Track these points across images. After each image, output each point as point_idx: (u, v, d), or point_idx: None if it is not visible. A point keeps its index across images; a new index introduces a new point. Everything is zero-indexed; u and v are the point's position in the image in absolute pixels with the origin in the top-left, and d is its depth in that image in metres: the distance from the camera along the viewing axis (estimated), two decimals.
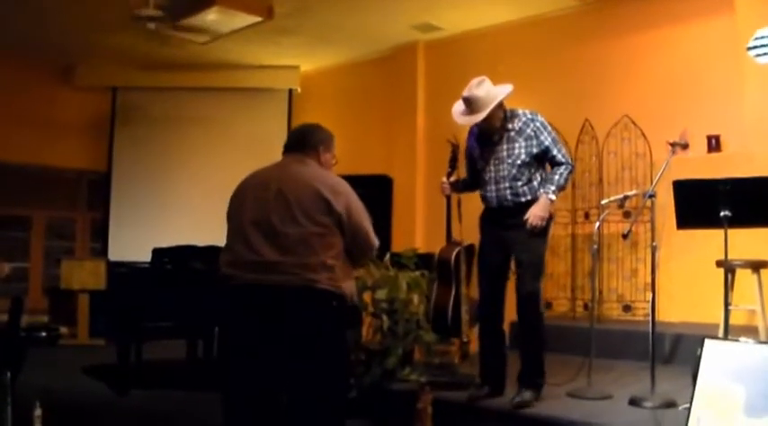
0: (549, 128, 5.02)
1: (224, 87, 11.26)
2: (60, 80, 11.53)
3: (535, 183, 4.92)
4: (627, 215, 7.25)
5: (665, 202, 5.17)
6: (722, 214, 4.77)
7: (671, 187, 5.07)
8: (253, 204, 3.58)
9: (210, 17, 8.79)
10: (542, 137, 4.94)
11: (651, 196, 4.82)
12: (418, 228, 9.53)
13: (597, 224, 5.38)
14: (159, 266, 7.10)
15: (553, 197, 4.84)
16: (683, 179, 5.05)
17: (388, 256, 5.84)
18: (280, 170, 3.72)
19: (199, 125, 11.21)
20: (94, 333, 10.38)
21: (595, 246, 5.47)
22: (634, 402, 4.71)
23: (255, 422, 3.52)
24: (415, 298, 5.44)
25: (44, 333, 10.18)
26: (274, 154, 11.15)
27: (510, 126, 5.04)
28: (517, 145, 4.96)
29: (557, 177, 4.88)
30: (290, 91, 11.44)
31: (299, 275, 3.41)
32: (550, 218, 4.93)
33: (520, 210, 4.86)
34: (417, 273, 5.60)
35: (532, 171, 4.94)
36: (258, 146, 11.19)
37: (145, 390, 6.67)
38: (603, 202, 5.67)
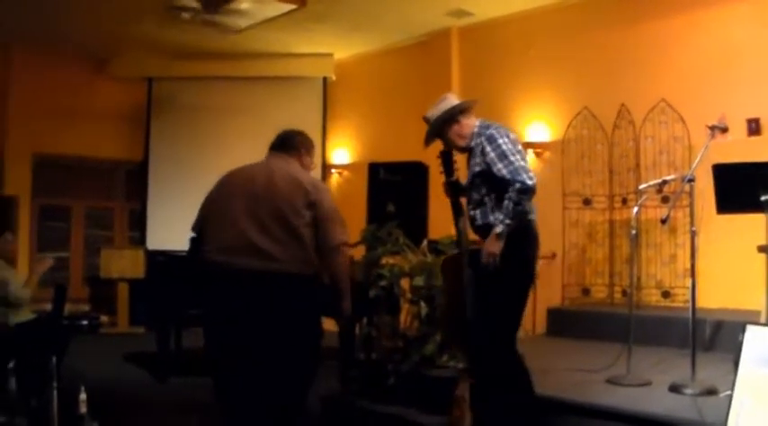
0: (502, 140, 4.30)
1: (258, 76, 11.29)
2: (97, 72, 11.64)
3: (487, 207, 4.39)
4: (665, 200, 7.19)
5: (705, 187, 5.10)
6: (763, 198, 4.72)
7: (710, 171, 5.02)
8: (243, 196, 3.92)
9: (244, 6, 8.83)
10: (487, 150, 4.32)
11: (690, 180, 4.75)
12: None
13: (635, 209, 5.33)
14: (196, 255, 7.13)
15: (498, 228, 4.18)
16: (722, 162, 4.99)
17: (425, 243, 5.82)
18: (266, 166, 4.11)
19: (234, 114, 11.25)
20: (134, 322, 10.53)
21: (634, 232, 5.42)
22: (674, 388, 4.67)
23: (246, 396, 3.87)
24: None
25: (85, 322, 10.31)
26: None
27: (473, 143, 4.48)
28: (471, 163, 4.50)
29: (505, 202, 4.21)
30: (325, 79, 11.44)
31: (285, 262, 3.79)
32: (521, 257, 4.34)
33: (482, 238, 4.36)
34: None
35: (483, 192, 4.40)
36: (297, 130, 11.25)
37: (184, 377, 6.74)
38: (641, 187, 5.61)
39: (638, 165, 7.68)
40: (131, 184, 12.13)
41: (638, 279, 7.45)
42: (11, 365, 2.36)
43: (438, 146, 4.75)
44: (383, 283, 5.56)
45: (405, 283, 5.72)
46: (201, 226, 4.07)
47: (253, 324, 3.77)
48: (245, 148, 11.21)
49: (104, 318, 10.71)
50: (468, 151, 4.52)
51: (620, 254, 7.80)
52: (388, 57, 10.84)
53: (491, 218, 4.31)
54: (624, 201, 7.75)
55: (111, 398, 5.83)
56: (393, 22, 9.82)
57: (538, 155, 8.79)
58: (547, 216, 8.32)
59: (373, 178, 9.71)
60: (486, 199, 4.39)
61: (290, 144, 4.31)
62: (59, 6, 9.15)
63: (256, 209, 3.87)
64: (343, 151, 11.49)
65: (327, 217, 3.98)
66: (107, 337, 10.03)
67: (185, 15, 8.94)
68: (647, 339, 6.00)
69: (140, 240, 11.51)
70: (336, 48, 11.03)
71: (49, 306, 5.76)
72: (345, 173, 11.40)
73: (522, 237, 4.33)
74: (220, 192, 4.06)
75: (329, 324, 6.94)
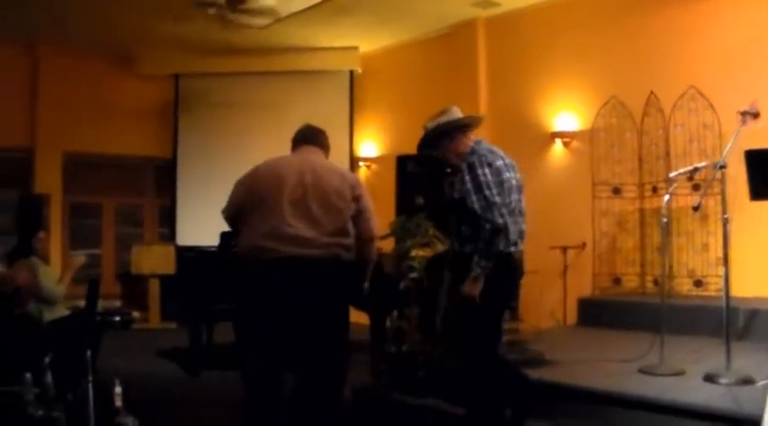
0: (481, 171, 4.17)
1: (285, 70, 11.32)
2: (124, 70, 11.73)
3: (463, 236, 4.27)
4: (696, 187, 7.10)
5: (736, 173, 5.04)
6: None
7: (742, 157, 4.95)
8: (288, 186, 4.03)
9: (270, 1, 8.84)
10: (465, 179, 4.21)
11: (722, 167, 4.71)
12: None
13: (666, 197, 5.27)
14: (227, 249, 7.17)
15: (474, 272, 4.07)
16: (755, 148, 4.93)
17: None
18: (306, 159, 4.28)
19: (261, 109, 11.29)
20: (166, 317, 10.60)
21: (665, 220, 5.38)
22: (709, 378, 4.64)
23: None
24: None
25: (118, 318, 10.41)
26: (337, 135, 11.15)
27: (463, 164, 4.33)
28: (456, 184, 4.35)
29: (479, 243, 4.09)
30: (351, 72, 11.45)
31: (328, 249, 3.98)
32: (498, 292, 4.20)
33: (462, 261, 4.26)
34: None
35: (460, 219, 4.28)
36: (321, 127, 11.24)
37: (216, 371, 6.77)
38: (672, 175, 5.56)
39: (667, 153, 7.60)
40: (160, 181, 12.21)
41: (670, 267, 7.38)
42: (47, 360, 2.40)
43: None
44: (413, 275, 5.55)
45: None
46: (237, 215, 4.18)
47: (303, 308, 3.90)
48: (272, 143, 11.21)
49: (136, 314, 10.80)
50: (458, 169, 4.38)
51: (650, 243, 7.73)
52: (415, 49, 10.81)
53: (466, 249, 4.22)
54: (654, 190, 7.68)
55: (145, 392, 5.88)
56: (418, 14, 9.79)
57: (566, 144, 8.74)
58: (576, 205, 8.31)
59: (401, 171, 9.71)
60: (463, 227, 4.29)
61: (320, 140, 4.51)
62: (86, 5, 9.22)
63: (304, 199, 4.02)
64: (370, 144, 11.49)
65: (367, 210, 4.22)
66: (139, 333, 10.12)
67: (211, 11, 8.96)
68: (679, 328, 5.95)
69: (170, 236, 11.59)
70: (362, 41, 11.02)
71: (82, 303, 5.82)
72: (373, 165, 11.40)
73: (499, 274, 4.17)
74: (260, 183, 4.14)
75: (361, 318, 6.97)
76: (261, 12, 9.24)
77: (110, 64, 11.65)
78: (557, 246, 8.29)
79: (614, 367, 5.19)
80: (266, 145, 11.45)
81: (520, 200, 4.40)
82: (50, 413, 2.16)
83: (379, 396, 5.62)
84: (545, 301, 8.20)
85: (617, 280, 7.99)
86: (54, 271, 6.47)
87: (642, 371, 4.98)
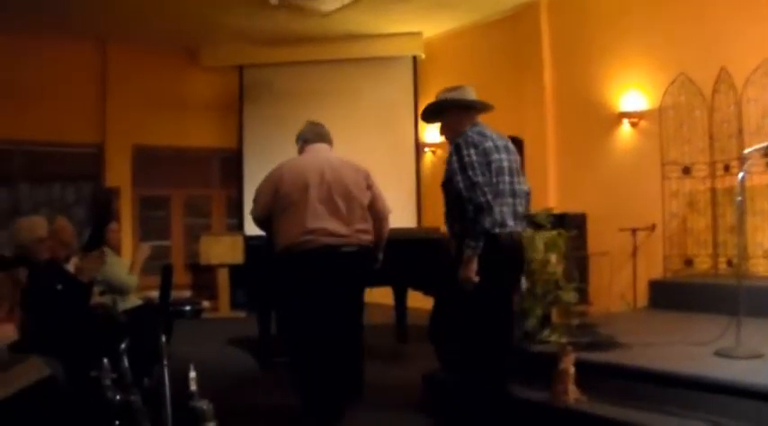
0: (466, 151, 4.27)
1: (348, 58, 11.33)
2: (189, 63, 11.91)
3: (452, 217, 4.40)
4: None
5: None
6: None
7: None
8: (315, 186, 4.84)
9: None
10: (451, 159, 4.33)
11: None
12: (551, 188, 9.37)
13: (740, 175, 5.12)
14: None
15: (465, 254, 4.19)
16: None
17: None
18: (324, 157, 5.08)
19: (325, 97, 11.31)
20: (235, 306, 10.73)
21: (739, 198, 5.23)
22: None
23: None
24: (553, 258, 5.32)
25: (188, 307, 10.57)
26: (402, 122, 11.12)
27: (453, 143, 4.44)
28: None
29: (465, 221, 4.22)
30: (414, 57, 11.42)
31: (354, 237, 4.95)
32: (483, 276, 4.24)
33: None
34: (554, 232, 5.48)
35: (449, 200, 4.39)
36: (385, 114, 11.23)
37: (287, 359, 6.81)
38: (746, 152, 5.41)
39: (740, 131, 7.40)
40: (227, 171, 12.35)
41: (745, 248, 7.20)
42: (123, 346, 2.45)
43: None
44: None
45: None
46: (267, 217, 5.00)
47: (343, 285, 4.92)
48: (337, 131, 11.16)
49: (206, 303, 10.97)
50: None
51: (723, 223, 7.55)
52: (477, 33, 10.74)
53: (456, 229, 4.35)
54: (726, 168, 7.49)
55: (216, 379, 5.97)
56: None
57: (633, 124, 8.58)
58: (645, 186, 8.18)
59: None
60: (452, 208, 4.38)
61: (328, 136, 5.31)
62: (151, 2, 9.35)
63: (330, 196, 4.87)
64: (434, 129, 11.40)
65: (379, 194, 5.20)
66: (209, 322, 10.26)
67: (273, 1, 9.02)
68: (756, 310, 5.77)
69: (238, 226, 11.72)
70: (425, 26, 10.97)
71: (153, 293, 5.92)
72: (439, 151, 11.34)
73: (485, 255, 4.22)
74: (285, 186, 4.88)
75: (429, 303, 6.96)
76: (321, 1, 9.27)
77: (175, 58, 11.84)
78: (626, 228, 8.16)
79: (689, 350, 5.08)
80: (334, 133, 11.45)
81: (515, 182, 4.49)
82: (127, 397, 2.20)
83: (449, 381, 5.60)
84: (615, 284, 8.10)
85: (688, 262, 7.82)
86: (125, 262, 6.61)
87: (718, 354, 4.85)
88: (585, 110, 9.02)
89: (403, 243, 7.04)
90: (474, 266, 4.18)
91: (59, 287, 4.97)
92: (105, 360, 2.30)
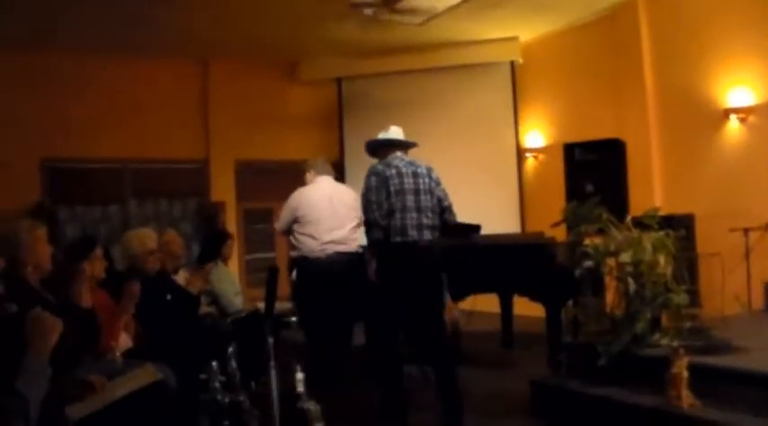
0: (368, 179, 5.60)
1: (445, 66, 11.29)
2: (287, 77, 12.11)
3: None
4: None
5: None
6: None
7: None
8: (326, 208, 6.63)
9: None
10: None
11: None
12: (656, 189, 9.13)
13: None
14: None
15: (366, 256, 5.99)
16: None
17: (628, 219, 5.59)
18: (328, 187, 6.88)
19: (424, 106, 11.31)
20: None
21: None
22: None
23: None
24: (662, 259, 5.16)
25: (294, 318, 10.66)
26: (502, 127, 11.02)
27: None
28: None
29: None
30: (512, 63, 11.31)
31: (351, 245, 6.66)
32: (382, 275, 5.47)
33: None
34: (661, 233, 5.32)
35: None
36: (485, 121, 11.17)
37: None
38: None
39: None
40: None
41: None
42: (230, 349, 2.50)
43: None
44: (588, 262, 5.39)
45: (611, 262, 5.52)
46: (288, 230, 6.78)
47: (346, 276, 6.53)
48: (436, 139, 11.32)
49: None
50: None
51: None
52: (575, 35, 10.57)
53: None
54: None
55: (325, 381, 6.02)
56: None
57: (742, 120, 8.30)
58: (756, 184, 7.91)
59: (569, 159, 9.53)
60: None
61: (330, 169, 7.12)
62: (249, 19, 9.54)
63: (336, 214, 6.62)
64: (536, 134, 11.31)
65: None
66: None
67: (368, 12, 9.07)
68: None
69: None
70: (521, 30, 10.88)
71: (260, 304, 6.08)
72: (540, 156, 11.22)
73: (383, 261, 5.45)
74: (303, 209, 6.67)
75: (533, 309, 6.88)
76: (417, 9, 9.27)
77: (274, 73, 12.04)
78: (737, 228, 7.88)
79: None
80: (433, 141, 11.46)
81: (421, 200, 5.45)
82: (236, 398, 2.24)
83: (558, 387, 5.51)
84: (728, 285, 7.81)
85: None
86: (235, 280, 6.86)
87: None
88: (689, 108, 8.77)
89: (507, 248, 6.99)
90: (372, 266, 5.56)
91: (169, 297, 5.11)
92: (214, 363, 2.34)
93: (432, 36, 10.54)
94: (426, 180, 5.56)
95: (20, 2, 8.33)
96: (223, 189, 11.63)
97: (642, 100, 9.40)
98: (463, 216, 7.57)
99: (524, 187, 11.33)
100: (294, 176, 12.29)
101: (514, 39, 11.10)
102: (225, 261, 7.13)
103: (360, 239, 6.47)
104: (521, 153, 11.35)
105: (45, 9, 8.56)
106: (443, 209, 5.61)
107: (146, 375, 3.50)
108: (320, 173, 6.94)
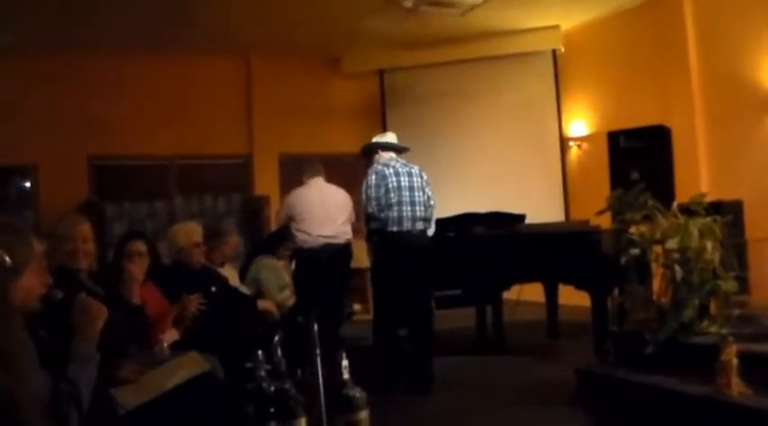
0: (368, 178, 6.44)
1: (486, 56, 11.23)
2: (330, 71, 12.17)
3: None
4: None
5: None
6: None
7: None
8: (318, 206, 7.56)
9: None
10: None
11: None
12: (702, 175, 9.00)
13: None
14: (443, 236, 7.24)
15: (366, 244, 6.81)
16: None
17: (675, 205, 5.52)
18: (321, 187, 7.78)
19: (466, 97, 11.29)
20: None
21: None
22: None
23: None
24: (709, 246, 5.09)
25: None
26: (545, 116, 10.96)
27: None
28: None
29: None
30: (554, 51, 11.22)
31: (342, 236, 7.59)
32: (377, 260, 6.58)
33: None
34: (708, 219, 5.24)
35: None
36: (528, 110, 11.11)
37: (439, 357, 6.83)
38: None
39: None
40: None
41: None
42: (276, 338, 2.53)
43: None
44: (634, 250, 5.33)
45: (657, 249, 5.46)
46: (286, 224, 7.58)
47: (338, 262, 7.67)
48: (482, 130, 11.31)
49: (357, 307, 11.09)
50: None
51: None
52: (617, 22, 10.45)
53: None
54: None
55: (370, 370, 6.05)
56: None
57: None
58: None
59: (613, 147, 9.46)
60: None
61: (322, 171, 7.90)
62: (291, 14, 9.62)
63: (328, 213, 7.56)
64: (579, 122, 11.21)
65: (353, 209, 7.83)
66: (360, 324, 10.37)
67: (407, 3, 9.07)
68: None
69: None
70: (562, 19, 10.80)
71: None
72: (584, 144, 11.12)
73: (380, 249, 6.43)
74: (298, 207, 7.60)
75: (579, 299, 6.84)
76: (456, 0, 9.25)
77: (316, 67, 12.11)
78: None
79: None
80: (477, 132, 11.47)
81: (415, 195, 6.35)
82: (281, 386, 2.26)
83: (605, 376, 5.48)
84: None
85: None
86: (285, 277, 6.94)
87: None
88: (736, 94, 8.63)
89: (552, 237, 6.95)
90: (371, 256, 6.64)
91: (213, 289, 5.18)
92: (260, 352, 2.37)
93: (472, 26, 10.50)
94: (418, 179, 6.46)
95: (65, 3, 8.47)
96: (267, 183, 11.71)
97: (687, 85, 9.26)
98: (507, 205, 7.58)
99: (568, 176, 11.24)
100: (338, 169, 12.42)
101: (555, 27, 11.01)
102: (279, 258, 7.23)
103: (349, 233, 7.72)
104: (564, 142, 11.26)
105: (89, 10, 8.70)
106: (427, 207, 6.49)
107: (192, 363, 3.57)
108: (313, 175, 7.82)
